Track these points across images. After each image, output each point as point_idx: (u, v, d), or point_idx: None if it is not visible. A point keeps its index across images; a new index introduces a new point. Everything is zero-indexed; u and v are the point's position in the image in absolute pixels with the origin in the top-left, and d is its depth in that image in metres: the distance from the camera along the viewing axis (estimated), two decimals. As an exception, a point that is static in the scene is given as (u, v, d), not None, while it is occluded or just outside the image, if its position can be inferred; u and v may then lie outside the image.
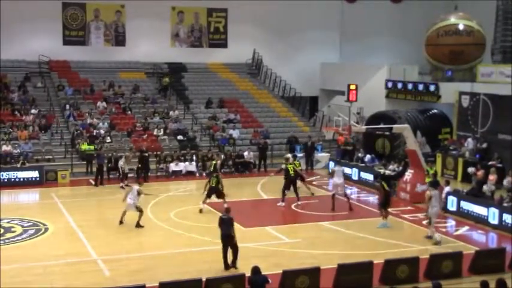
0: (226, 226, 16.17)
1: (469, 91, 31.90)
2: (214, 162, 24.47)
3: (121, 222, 20.59)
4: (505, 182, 24.06)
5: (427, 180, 24.41)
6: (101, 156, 27.87)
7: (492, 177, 24.28)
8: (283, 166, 24.88)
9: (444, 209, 22.38)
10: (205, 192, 22.62)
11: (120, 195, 25.73)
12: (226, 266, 16.14)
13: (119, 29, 38.93)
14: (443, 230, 20.56)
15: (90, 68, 37.90)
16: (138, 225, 20.30)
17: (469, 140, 29.77)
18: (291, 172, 23.94)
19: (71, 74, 37.19)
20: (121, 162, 27.52)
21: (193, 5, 40.11)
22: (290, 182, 23.92)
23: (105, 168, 27.94)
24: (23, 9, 35.69)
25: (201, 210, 22.31)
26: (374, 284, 15.18)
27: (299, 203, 23.70)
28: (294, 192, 23.91)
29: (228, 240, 16.09)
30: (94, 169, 28.08)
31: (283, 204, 23.47)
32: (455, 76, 35.39)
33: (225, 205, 21.65)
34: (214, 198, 22.49)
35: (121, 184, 26.90)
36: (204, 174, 29.40)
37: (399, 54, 41.87)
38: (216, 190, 22.37)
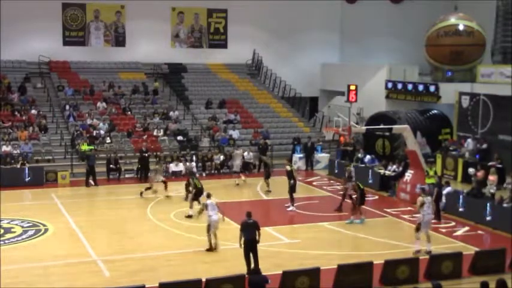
0: (251, 230, 15.83)
1: (469, 91, 31.92)
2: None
3: (210, 249, 17.86)
4: (505, 185, 24.04)
5: (428, 181, 24.43)
6: (91, 158, 27.85)
7: (493, 178, 24.21)
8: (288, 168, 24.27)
9: (444, 209, 22.39)
10: (191, 197, 22.14)
11: (123, 195, 25.84)
12: (250, 270, 15.52)
13: (119, 30, 38.94)
14: (443, 230, 20.56)
15: (90, 69, 37.88)
16: (212, 249, 17.98)
17: (469, 140, 29.77)
18: (295, 175, 23.71)
19: (70, 74, 37.18)
20: (151, 174, 26.34)
21: (193, 6, 40.12)
22: (295, 184, 23.55)
23: (104, 169, 27.95)
24: (23, 9, 35.72)
25: (190, 216, 21.54)
26: (374, 284, 15.17)
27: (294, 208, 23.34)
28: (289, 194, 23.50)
29: (253, 245, 15.79)
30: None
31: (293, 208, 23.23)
32: (455, 77, 35.38)
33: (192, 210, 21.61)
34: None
35: (142, 191, 25.28)
36: (204, 174, 29.49)
37: (399, 54, 41.84)
38: (201, 191, 21.76)
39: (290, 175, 23.41)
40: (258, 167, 31.03)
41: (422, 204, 17.91)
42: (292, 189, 23.34)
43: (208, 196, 18.27)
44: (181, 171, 29.44)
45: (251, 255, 15.79)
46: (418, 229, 18.04)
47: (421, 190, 19.52)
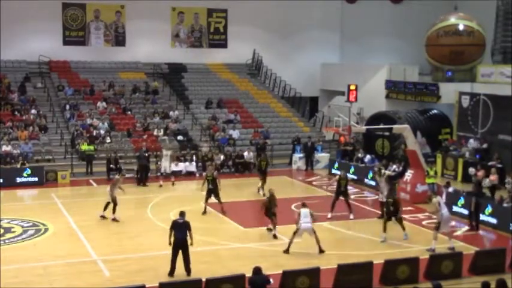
0: (182, 230, 15.80)
1: (469, 91, 31.93)
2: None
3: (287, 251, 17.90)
4: (506, 184, 24.02)
5: (428, 181, 24.44)
6: (142, 157, 27.93)
7: (493, 178, 24.17)
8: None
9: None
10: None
11: (123, 195, 25.82)
12: (173, 272, 15.68)
13: (119, 30, 38.95)
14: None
15: (90, 68, 37.92)
16: (321, 251, 17.75)
17: (471, 140, 29.74)
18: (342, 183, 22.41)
19: (71, 74, 37.21)
20: (165, 163, 27.92)
21: (193, 6, 40.13)
22: (338, 193, 22.41)
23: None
24: (23, 9, 35.73)
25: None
26: (374, 284, 15.17)
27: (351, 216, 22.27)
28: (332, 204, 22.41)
29: (183, 245, 15.73)
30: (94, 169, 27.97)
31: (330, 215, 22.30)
32: (455, 76, 35.39)
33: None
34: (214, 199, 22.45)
35: (160, 182, 27.35)
36: (204, 174, 29.48)
37: (399, 54, 41.89)
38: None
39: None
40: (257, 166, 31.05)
41: (439, 204, 18.03)
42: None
43: (303, 205, 18.23)
44: (181, 171, 29.45)
45: (180, 256, 15.72)
46: (437, 228, 18.11)
47: (431, 192, 19.52)
